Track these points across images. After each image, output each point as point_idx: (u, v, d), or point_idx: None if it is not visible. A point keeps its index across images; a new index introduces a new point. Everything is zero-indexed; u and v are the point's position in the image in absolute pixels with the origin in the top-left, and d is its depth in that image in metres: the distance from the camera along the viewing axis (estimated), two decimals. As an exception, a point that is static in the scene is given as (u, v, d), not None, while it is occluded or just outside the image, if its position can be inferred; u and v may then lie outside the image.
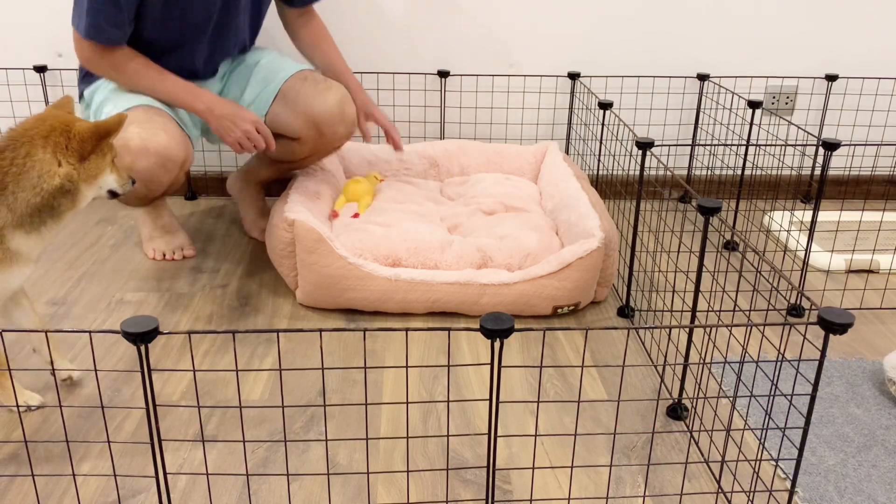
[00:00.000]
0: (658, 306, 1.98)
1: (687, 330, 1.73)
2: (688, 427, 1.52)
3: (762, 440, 1.43)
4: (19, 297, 1.55)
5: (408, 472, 1.39)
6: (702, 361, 1.70)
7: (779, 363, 1.60)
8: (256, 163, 2.33)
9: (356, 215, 2.16)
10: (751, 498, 1.34)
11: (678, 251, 1.74)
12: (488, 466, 1.14)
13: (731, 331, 1.69)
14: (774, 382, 1.24)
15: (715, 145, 2.37)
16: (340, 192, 2.29)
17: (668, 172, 1.70)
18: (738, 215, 2.51)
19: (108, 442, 1.42)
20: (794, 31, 2.62)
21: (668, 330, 1.85)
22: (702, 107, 2.66)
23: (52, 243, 1.50)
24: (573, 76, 2.60)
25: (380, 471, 1.40)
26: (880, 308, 2.00)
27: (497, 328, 1.03)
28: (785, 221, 2.41)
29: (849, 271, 2.19)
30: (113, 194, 1.53)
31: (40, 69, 2.53)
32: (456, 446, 1.46)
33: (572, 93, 2.62)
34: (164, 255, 2.21)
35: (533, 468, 1.40)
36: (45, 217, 1.40)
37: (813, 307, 1.13)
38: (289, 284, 1.99)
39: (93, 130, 1.41)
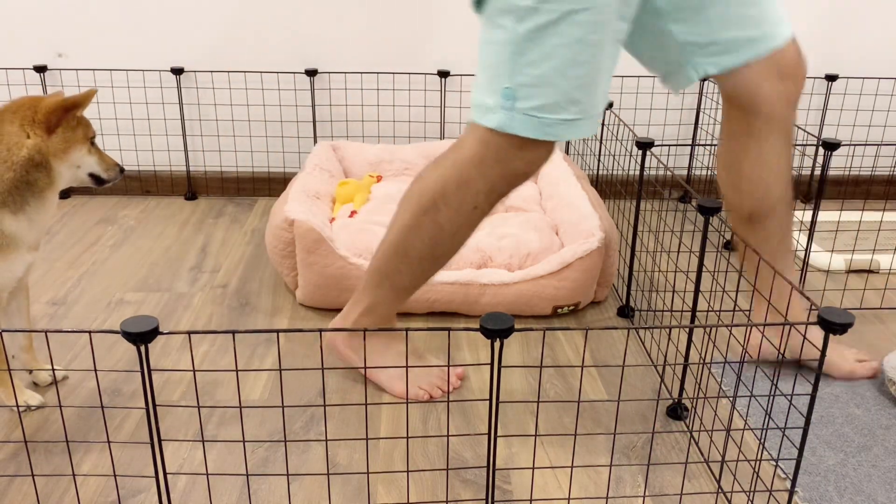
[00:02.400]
0: (658, 306, 1.98)
1: (687, 330, 1.73)
2: (688, 427, 1.52)
3: (762, 440, 1.43)
4: (20, 298, 1.55)
5: (408, 472, 1.39)
6: (702, 361, 1.70)
7: (779, 363, 1.60)
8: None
9: (353, 213, 2.16)
10: (751, 498, 1.34)
11: (678, 251, 1.74)
12: (488, 466, 1.14)
13: (731, 331, 1.69)
14: (774, 382, 1.24)
15: (715, 145, 2.37)
16: (334, 199, 2.29)
17: (668, 172, 1.70)
18: (738, 215, 2.51)
19: (108, 442, 1.42)
20: (794, 31, 2.62)
21: (668, 330, 1.85)
22: (702, 107, 2.65)
23: (44, 230, 1.49)
24: (573, 76, 2.60)
25: (380, 471, 1.40)
26: (880, 308, 2.00)
27: (497, 328, 1.03)
28: (785, 221, 2.40)
29: (849, 271, 2.19)
30: (98, 180, 1.54)
31: (40, 69, 2.53)
32: (456, 446, 1.46)
33: (572, 93, 2.62)
34: (429, 393, 1.58)
35: (533, 468, 1.40)
36: (27, 195, 1.41)
37: (813, 307, 1.13)
38: (289, 284, 1.99)
39: (59, 103, 1.43)
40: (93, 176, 1.53)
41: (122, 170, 1.58)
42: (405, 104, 2.64)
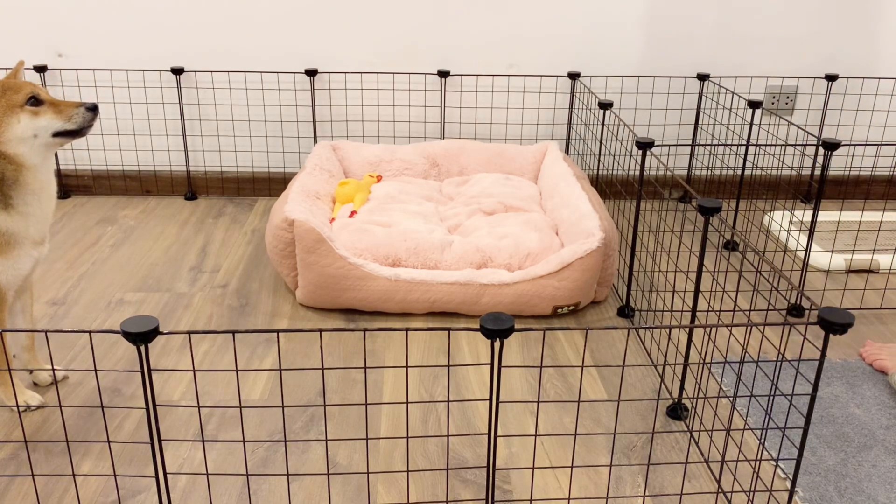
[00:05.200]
0: (658, 306, 1.98)
1: (687, 330, 1.73)
2: (688, 427, 1.52)
3: (762, 440, 1.43)
4: (24, 297, 1.55)
5: (408, 472, 1.39)
6: (702, 361, 1.70)
7: (779, 363, 1.60)
8: None
9: (353, 213, 2.16)
10: (751, 498, 1.34)
11: (678, 251, 1.74)
12: (488, 466, 1.14)
13: (731, 331, 1.69)
14: (774, 382, 1.24)
15: (715, 145, 2.37)
16: (334, 199, 2.29)
17: (668, 172, 1.70)
18: (738, 215, 2.51)
19: (108, 442, 1.42)
20: (794, 31, 2.62)
21: (668, 330, 1.85)
22: (702, 107, 2.66)
23: (45, 222, 1.47)
24: (573, 76, 2.60)
25: (380, 471, 1.40)
26: (880, 308, 2.00)
27: (497, 328, 1.03)
28: (785, 221, 2.41)
29: (849, 271, 2.19)
30: (69, 133, 1.44)
31: (40, 69, 2.53)
32: (456, 446, 1.46)
33: (572, 93, 2.62)
34: None
35: (533, 468, 1.40)
36: (4, 189, 1.38)
37: (813, 307, 1.13)
38: (289, 284, 1.99)
39: None
40: (60, 134, 1.43)
41: (90, 107, 1.45)
42: (405, 104, 2.64)
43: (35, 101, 1.41)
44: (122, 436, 1.47)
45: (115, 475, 1.37)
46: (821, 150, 2.71)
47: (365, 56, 2.58)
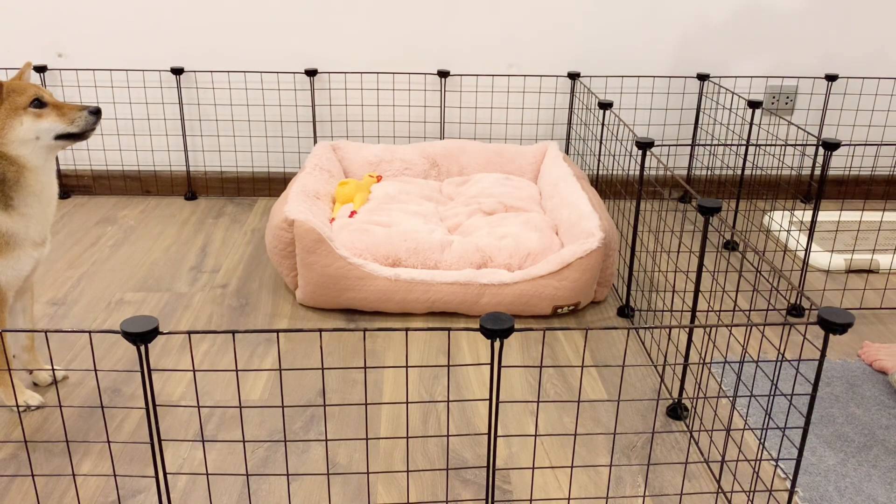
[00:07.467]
0: (658, 306, 1.98)
1: (687, 330, 1.73)
2: (688, 427, 1.52)
3: (762, 440, 1.43)
4: (25, 298, 1.55)
5: (408, 472, 1.39)
6: (702, 361, 1.70)
7: (779, 363, 1.60)
8: None
9: (353, 213, 2.16)
10: (751, 498, 1.34)
11: (678, 251, 1.74)
12: (488, 466, 1.14)
13: (731, 331, 1.69)
14: (774, 382, 1.24)
15: (715, 145, 2.37)
16: (334, 199, 2.29)
17: (668, 172, 1.70)
18: (738, 215, 2.51)
19: (108, 442, 1.42)
20: (794, 31, 2.62)
21: (668, 330, 1.85)
22: (702, 107, 2.66)
23: (45, 223, 1.47)
24: (573, 76, 2.60)
25: (380, 471, 1.40)
26: (880, 308, 2.00)
27: (497, 328, 1.03)
28: (785, 221, 2.41)
29: (849, 271, 2.19)
30: (72, 136, 1.44)
31: (40, 69, 2.53)
32: (456, 446, 1.46)
33: (572, 93, 2.62)
34: None
35: (533, 468, 1.40)
36: (5, 190, 1.39)
37: (813, 307, 1.13)
38: (288, 284, 1.99)
39: None
40: (63, 136, 1.44)
41: (93, 110, 1.46)
42: (405, 104, 2.64)
43: (38, 103, 1.42)
44: (122, 436, 1.47)
45: (115, 475, 1.37)
46: (821, 150, 2.71)
47: (365, 56, 2.58)
